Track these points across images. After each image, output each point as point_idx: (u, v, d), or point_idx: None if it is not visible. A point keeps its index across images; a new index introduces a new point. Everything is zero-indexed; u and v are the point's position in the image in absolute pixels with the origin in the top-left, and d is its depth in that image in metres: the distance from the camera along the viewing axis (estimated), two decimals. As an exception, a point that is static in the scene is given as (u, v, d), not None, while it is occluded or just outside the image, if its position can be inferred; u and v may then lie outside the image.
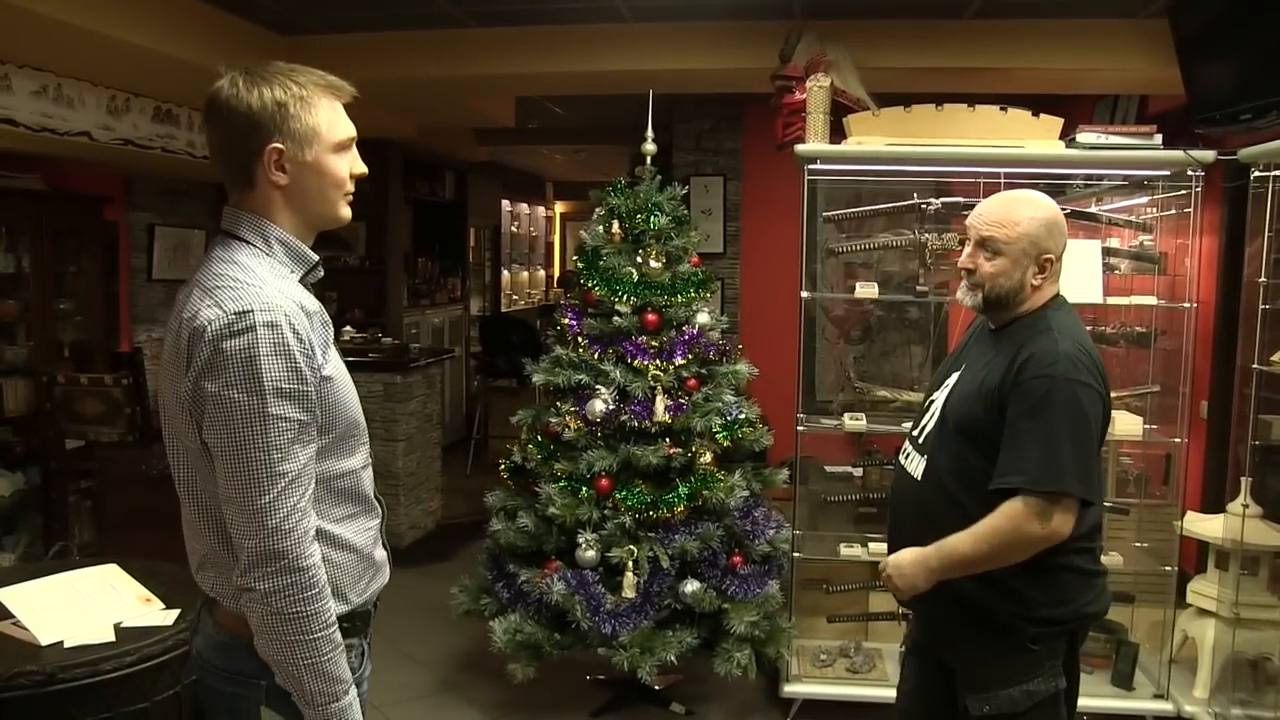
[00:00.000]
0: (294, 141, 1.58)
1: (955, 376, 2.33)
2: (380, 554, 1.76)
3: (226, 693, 1.65)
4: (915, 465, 2.33)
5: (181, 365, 1.53)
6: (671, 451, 3.55)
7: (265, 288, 1.53)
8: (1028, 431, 2.09)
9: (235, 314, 1.49)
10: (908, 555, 2.22)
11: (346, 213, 1.69)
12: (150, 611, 2.45)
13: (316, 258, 1.68)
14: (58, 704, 2.13)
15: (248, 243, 1.60)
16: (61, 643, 2.25)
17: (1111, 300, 3.79)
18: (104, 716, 2.19)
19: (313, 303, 1.61)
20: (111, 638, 2.30)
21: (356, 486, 1.69)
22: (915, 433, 2.40)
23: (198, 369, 1.50)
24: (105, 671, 2.18)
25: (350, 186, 1.68)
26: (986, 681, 2.22)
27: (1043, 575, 2.17)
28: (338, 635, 1.56)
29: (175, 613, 2.43)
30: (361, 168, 1.70)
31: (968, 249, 2.30)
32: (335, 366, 1.63)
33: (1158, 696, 3.70)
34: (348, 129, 1.65)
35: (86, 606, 2.43)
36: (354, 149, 1.68)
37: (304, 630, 1.51)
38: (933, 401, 2.37)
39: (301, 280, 1.65)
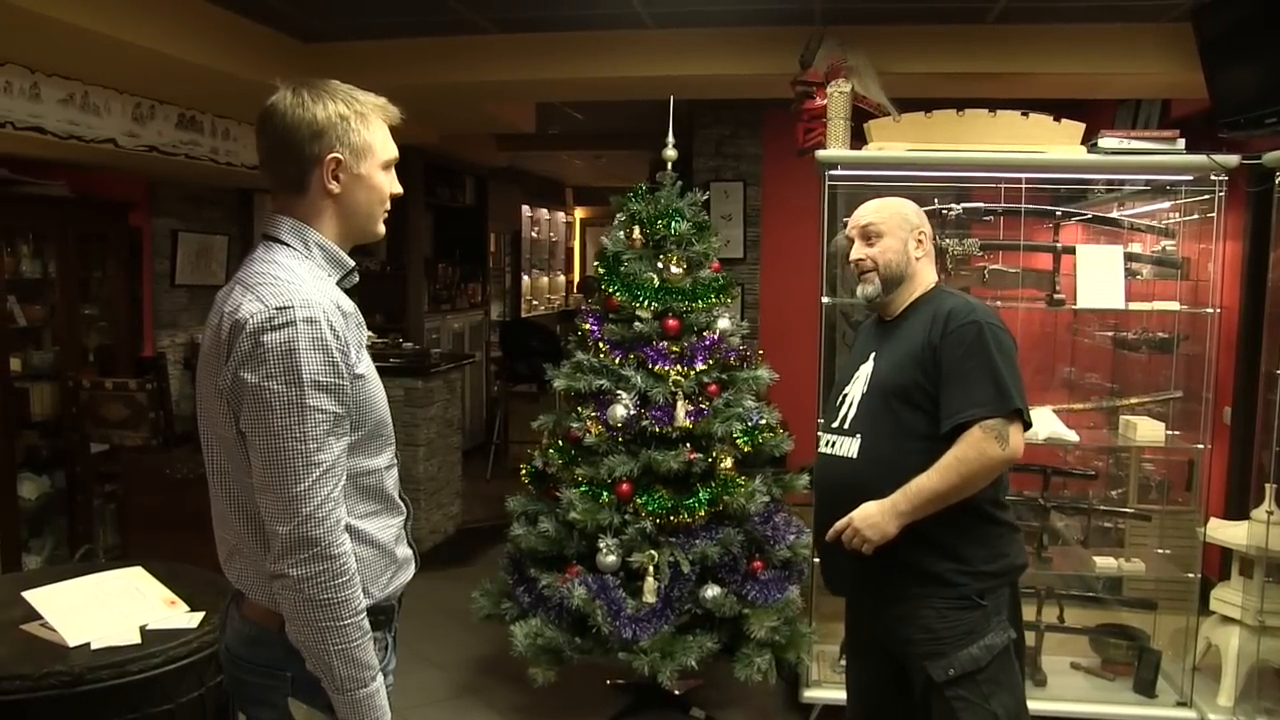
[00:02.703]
0: (352, 153, 1.68)
1: (866, 367, 2.55)
2: (404, 551, 1.81)
3: (255, 684, 1.71)
4: (847, 447, 2.50)
5: (221, 357, 1.59)
6: (692, 457, 3.55)
7: (305, 286, 1.60)
8: (971, 370, 2.33)
9: (276, 309, 1.55)
10: (871, 507, 2.36)
11: (382, 229, 1.79)
12: (175, 614, 2.48)
13: (353, 263, 1.76)
14: (85, 705, 2.16)
15: (288, 245, 1.68)
16: (89, 644, 2.29)
17: (1134, 306, 3.77)
18: (130, 718, 2.23)
19: (348, 304, 1.68)
20: (137, 639, 2.33)
21: (380, 485, 1.73)
22: (836, 423, 2.58)
23: (238, 360, 1.56)
24: (131, 673, 2.22)
25: (389, 204, 1.78)
26: (946, 645, 2.36)
27: (976, 531, 2.40)
28: (366, 623, 1.61)
29: (200, 615, 2.46)
30: (398, 188, 1.79)
31: (855, 248, 2.59)
32: (367, 367, 1.69)
33: (1181, 704, 3.67)
34: (393, 150, 1.76)
35: (113, 608, 2.46)
36: (394, 170, 1.78)
37: (335, 616, 1.56)
38: (845, 394, 2.58)
39: (338, 284, 1.72)
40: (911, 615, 2.41)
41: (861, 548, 2.36)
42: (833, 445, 2.56)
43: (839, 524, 2.40)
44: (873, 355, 2.56)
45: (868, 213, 2.59)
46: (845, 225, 3.95)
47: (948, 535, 2.37)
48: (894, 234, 2.54)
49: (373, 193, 1.73)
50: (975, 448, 2.28)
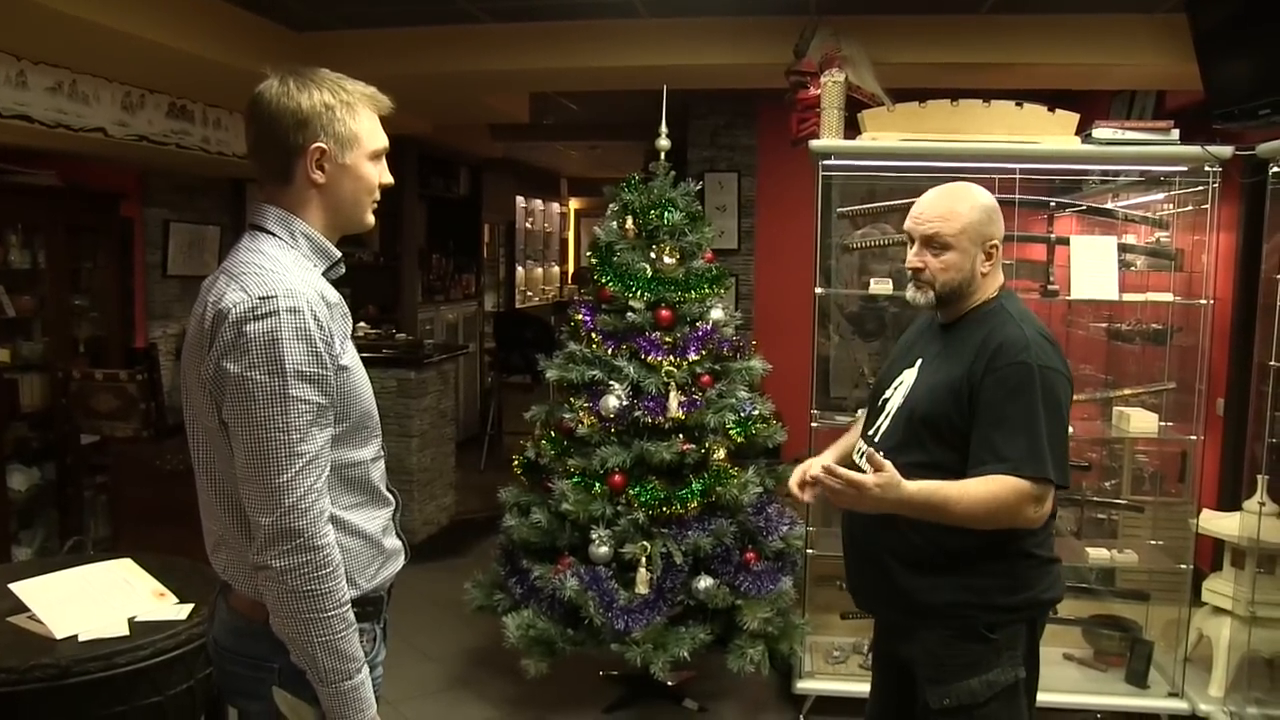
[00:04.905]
0: (337, 143, 1.66)
1: (910, 374, 2.33)
2: (392, 542, 1.80)
3: (242, 676, 1.70)
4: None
5: (205, 346, 1.58)
6: (685, 448, 3.55)
7: (289, 275, 1.59)
8: (1010, 419, 2.09)
9: (260, 298, 1.54)
10: (887, 493, 2.02)
11: (371, 219, 1.78)
12: (164, 606, 2.47)
13: (339, 254, 1.74)
14: (72, 698, 2.15)
15: (274, 235, 1.67)
16: (76, 637, 2.28)
17: (1127, 297, 3.77)
18: (118, 710, 2.21)
19: (333, 294, 1.67)
20: (125, 632, 2.32)
21: (366, 477, 1.73)
22: (871, 431, 2.37)
23: (220, 349, 1.55)
24: (119, 665, 2.21)
25: (378, 195, 1.77)
26: (946, 673, 2.22)
27: (999, 563, 2.19)
28: (351, 614, 1.60)
29: (189, 607, 2.45)
30: (389, 179, 1.78)
31: (913, 249, 2.30)
32: (352, 358, 1.68)
33: (1172, 695, 3.68)
34: (383, 140, 1.74)
35: (101, 601, 2.45)
36: (384, 160, 1.76)
37: (318, 608, 1.55)
38: (886, 400, 2.36)
39: (324, 274, 1.71)
40: (919, 638, 2.28)
41: (835, 499, 2.09)
42: (862, 457, 2.28)
43: (845, 474, 2.04)
44: (919, 362, 2.32)
45: (934, 218, 2.25)
46: (846, 215, 3.97)
47: (964, 564, 2.19)
48: (962, 249, 2.22)
49: (359, 183, 1.71)
50: (1016, 496, 2.05)
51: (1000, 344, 2.15)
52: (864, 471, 2.12)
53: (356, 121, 1.68)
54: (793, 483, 2.38)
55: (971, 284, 2.26)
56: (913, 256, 2.30)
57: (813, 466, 2.28)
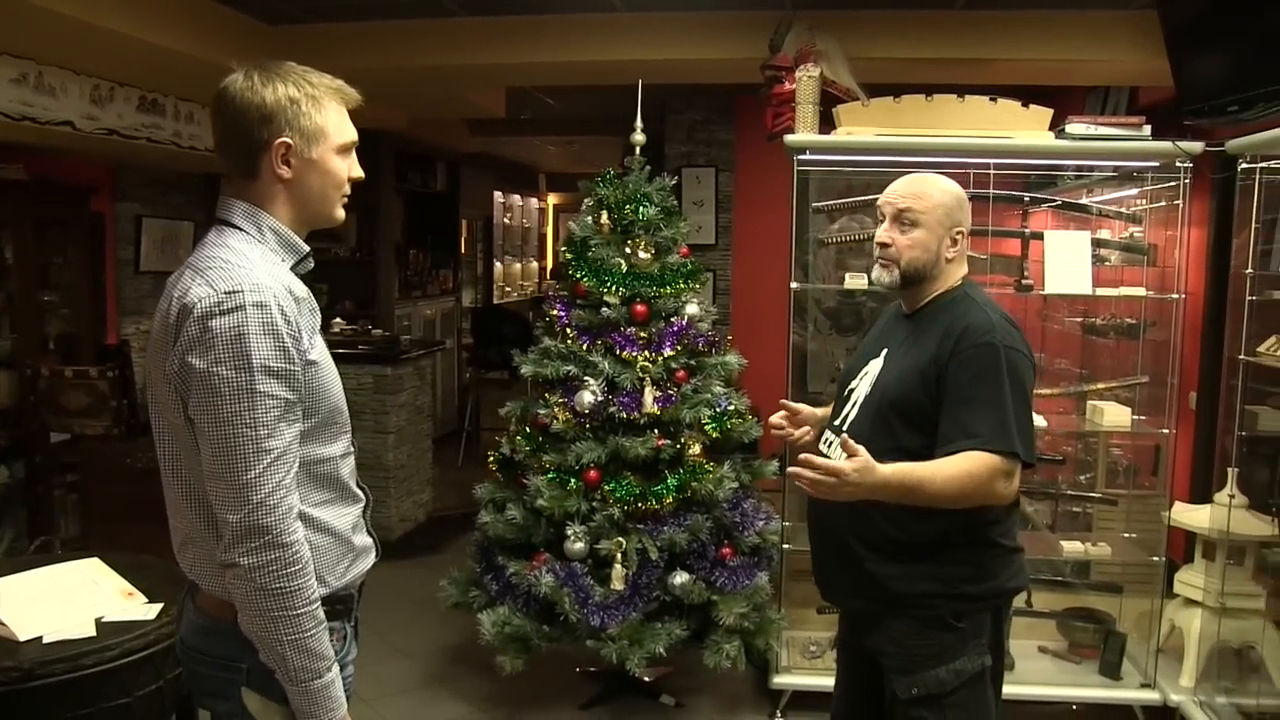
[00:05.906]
0: (302, 137, 1.64)
1: (876, 363, 2.37)
2: (362, 539, 1.78)
3: (210, 676, 1.68)
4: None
5: (170, 341, 1.56)
6: (660, 443, 3.54)
7: (255, 270, 1.57)
8: (978, 398, 2.13)
9: (225, 293, 1.52)
10: (865, 478, 2.02)
11: (340, 214, 1.76)
12: (132, 605, 2.45)
13: (307, 248, 1.73)
14: (37, 700, 2.12)
15: (241, 229, 1.65)
16: (41, 638, 2.25)
17: (1101, 291, 3.79)
18: (85, 712, 2.18)
19: (301, 289, 1.66)
20: (92, 632, 2.29)
21: (335, 474, 1.71)
22: (837, 421, 2.40)
23: (185, 344, 1.53)
24: (86, 667, 2.18)
25: (347, 189, 1.75)
26: (914, 663, 2.25)
27: (962, 552, 2.22)
28: (320, 612, 1.59)
29: (158, 607, 2.43)
30: (358, 172, 1.76)
31: (884, 226, 2.35)
32: (321, 353, 1.66)
33: (1145, 686, 3.71)
34: (351, 133, 1.72)
35: (67, 601, 2.42)
36: (354, 154, 1.75)
37: (287, 606, 1.54)
38: (852, 390, 2.40)
39: (292, 269, 1.69)
40: (886, 628, 2.29)
41: (814, 489, 2.06)
42: (830, 445, 2.37)
43: (822, 463, 2.04)
44: (884, 352, 2.37)
45: (907, 195, 2.32)
46: (821, 210, 3.97)
47: (931, 552, 2.22)
48: (930, 228, 2.28)
49: (327, 177, 1.69)
50: (988, 471, 2.09)
51: (966, 327, 2.20)
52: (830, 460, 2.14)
53: (323, 115, 1.66)
54: (774, 418, 2.52)
55: (935, 267, 2.31)
56: (882, 233, 2.35)
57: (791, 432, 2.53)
